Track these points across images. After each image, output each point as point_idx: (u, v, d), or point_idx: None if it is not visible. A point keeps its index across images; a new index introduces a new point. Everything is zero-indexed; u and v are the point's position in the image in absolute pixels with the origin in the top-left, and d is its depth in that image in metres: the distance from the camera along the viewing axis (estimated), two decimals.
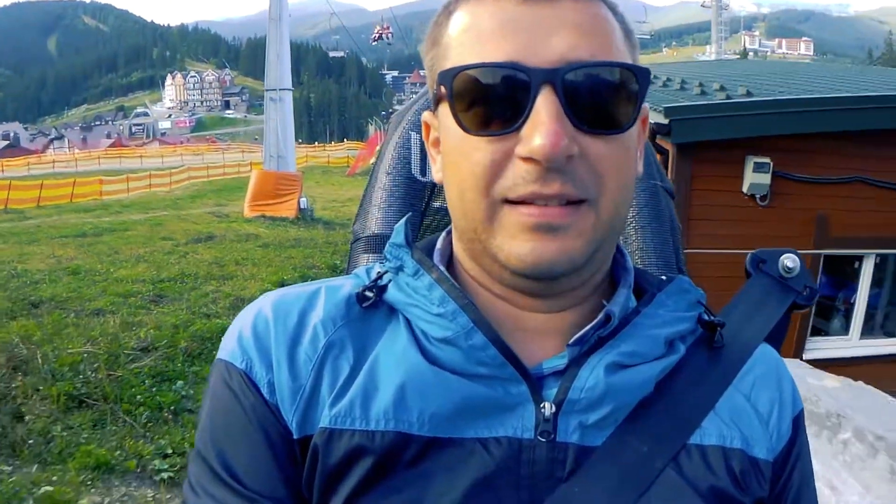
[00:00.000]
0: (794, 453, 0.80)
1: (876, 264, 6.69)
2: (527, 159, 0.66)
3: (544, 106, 0.65)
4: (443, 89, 0.70)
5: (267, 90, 20.25)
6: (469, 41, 0.69)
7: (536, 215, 0.67)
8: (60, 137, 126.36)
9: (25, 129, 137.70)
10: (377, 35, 54.33)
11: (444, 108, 0.72)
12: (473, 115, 0.68)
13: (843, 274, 6.92)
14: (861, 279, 6.67)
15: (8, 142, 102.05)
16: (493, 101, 0.67)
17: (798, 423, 0.82)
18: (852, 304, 6.82)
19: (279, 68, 19.77)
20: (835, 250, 6.29)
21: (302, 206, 18.85)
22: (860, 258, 6.66)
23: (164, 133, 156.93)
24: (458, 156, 0.71)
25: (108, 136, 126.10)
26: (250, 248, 12.24)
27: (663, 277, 0.83)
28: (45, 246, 11.65)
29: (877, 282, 6.81)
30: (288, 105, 20.14)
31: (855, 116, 6.05)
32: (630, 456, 0.71)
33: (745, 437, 0.76)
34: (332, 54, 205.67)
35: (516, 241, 0.68)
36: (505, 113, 0.67)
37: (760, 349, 0.85)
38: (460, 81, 0.68)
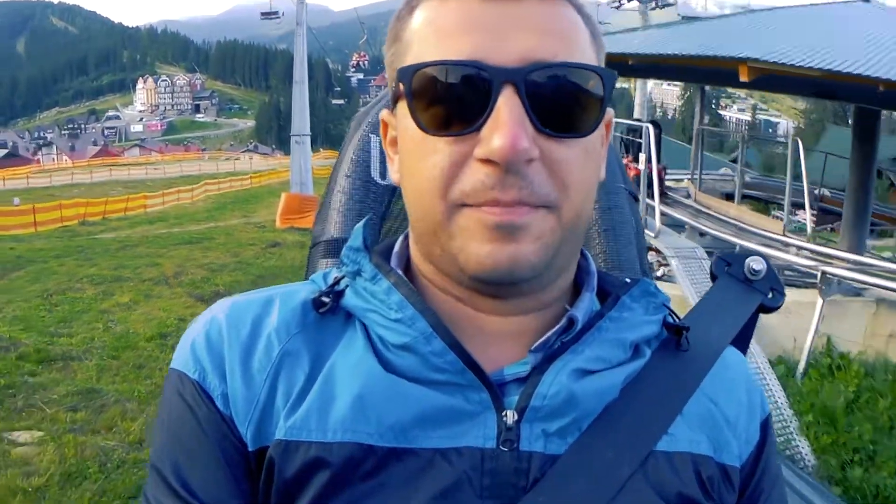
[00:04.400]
0: (762, 458, 0.78)
1: None
2: (485, 161, 0.63)
3: (505, 106, 0.62)
4: (401, 87, 0.67)
5: (292, 135, 26.12)
6: (429, 38, 0.66)
7: (497, 213, 0.63)
8: (49, 144, 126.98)
9: (21, 137, 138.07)
10: (355, 63, 59.54)
11: (403, 107, 0.68)
12: (432, 114, 0.65)
13: None
14: None
15: (7, 150, 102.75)
16: (453, 100, 0.64)
17: (766, 427, 0.80)
18: None
19: (301, 119, 25.61)
20: None
21: None
22: None
23: (144, 140, 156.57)
24: (415, 157, 0.67)
25: (95, 144, 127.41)
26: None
27: (627, 280, 0.79)
28: (185, 250, 14.59)
29: None
30: (307, 146, 25.83)
31: None
32: (596, 463, 0.67)
33: (713, 443, 0.73)
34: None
35: (475, 242, 0.65)
36: (465, 113, 0.64)
37: (727, 352, 0.82)
38: (419, 79, 0.65)
